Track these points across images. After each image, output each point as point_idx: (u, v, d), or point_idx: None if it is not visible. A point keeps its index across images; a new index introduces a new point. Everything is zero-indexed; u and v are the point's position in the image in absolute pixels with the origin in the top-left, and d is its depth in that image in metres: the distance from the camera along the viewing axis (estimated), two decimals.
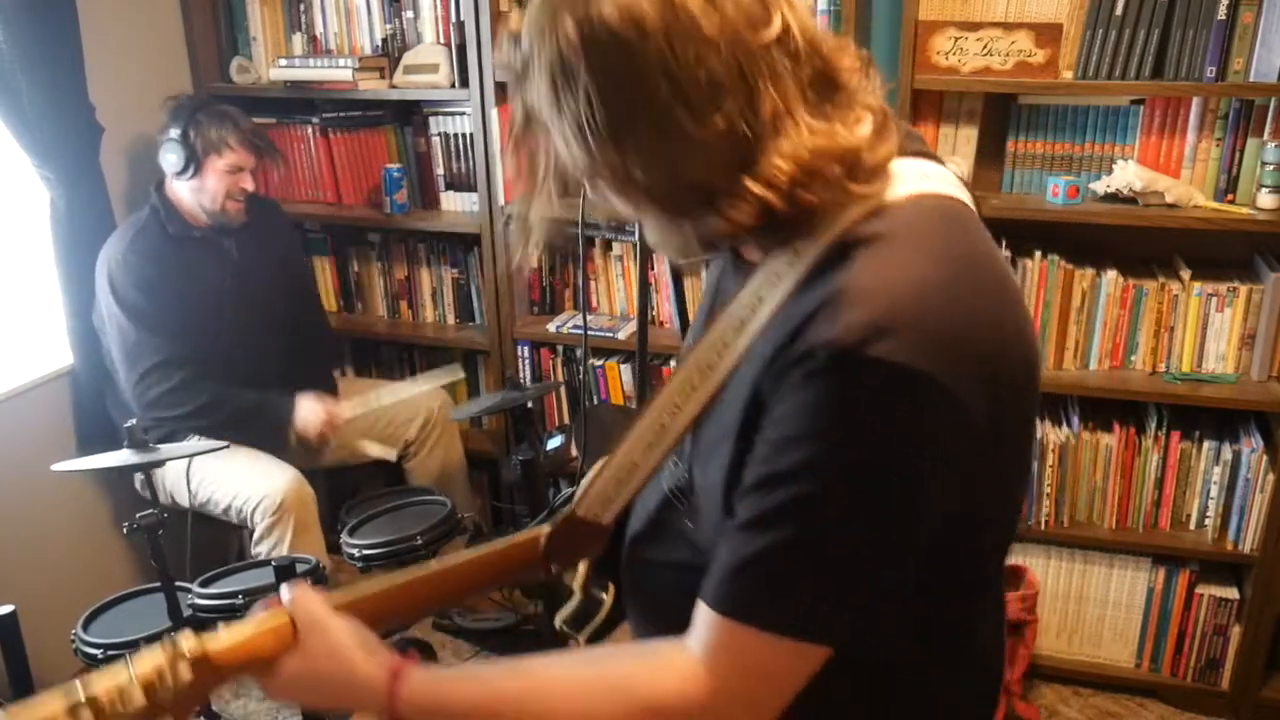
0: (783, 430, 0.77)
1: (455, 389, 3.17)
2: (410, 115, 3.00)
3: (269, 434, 2.57)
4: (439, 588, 1.07)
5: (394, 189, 2.95)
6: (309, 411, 2.59)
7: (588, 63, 0.77)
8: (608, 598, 1.08)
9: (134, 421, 2.11)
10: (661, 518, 0.94)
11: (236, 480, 2.49)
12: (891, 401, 0.74)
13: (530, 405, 2.67)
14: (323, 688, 0.93)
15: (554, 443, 2.71)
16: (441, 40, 2.84)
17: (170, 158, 2.50)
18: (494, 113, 2.73)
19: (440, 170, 2.98)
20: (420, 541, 2.38)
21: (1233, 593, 2.50)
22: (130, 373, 2.50)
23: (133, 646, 2.14)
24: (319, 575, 2.25)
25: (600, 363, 2.89)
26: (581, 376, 2.83)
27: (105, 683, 0.85)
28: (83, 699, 0.83)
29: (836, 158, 0.79)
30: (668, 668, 0.82)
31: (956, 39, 2.35)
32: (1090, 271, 2.44)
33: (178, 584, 2.15)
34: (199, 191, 2.54)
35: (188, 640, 0.89)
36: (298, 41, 2.99)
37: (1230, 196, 2.37)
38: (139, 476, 2.59)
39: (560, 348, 2.98)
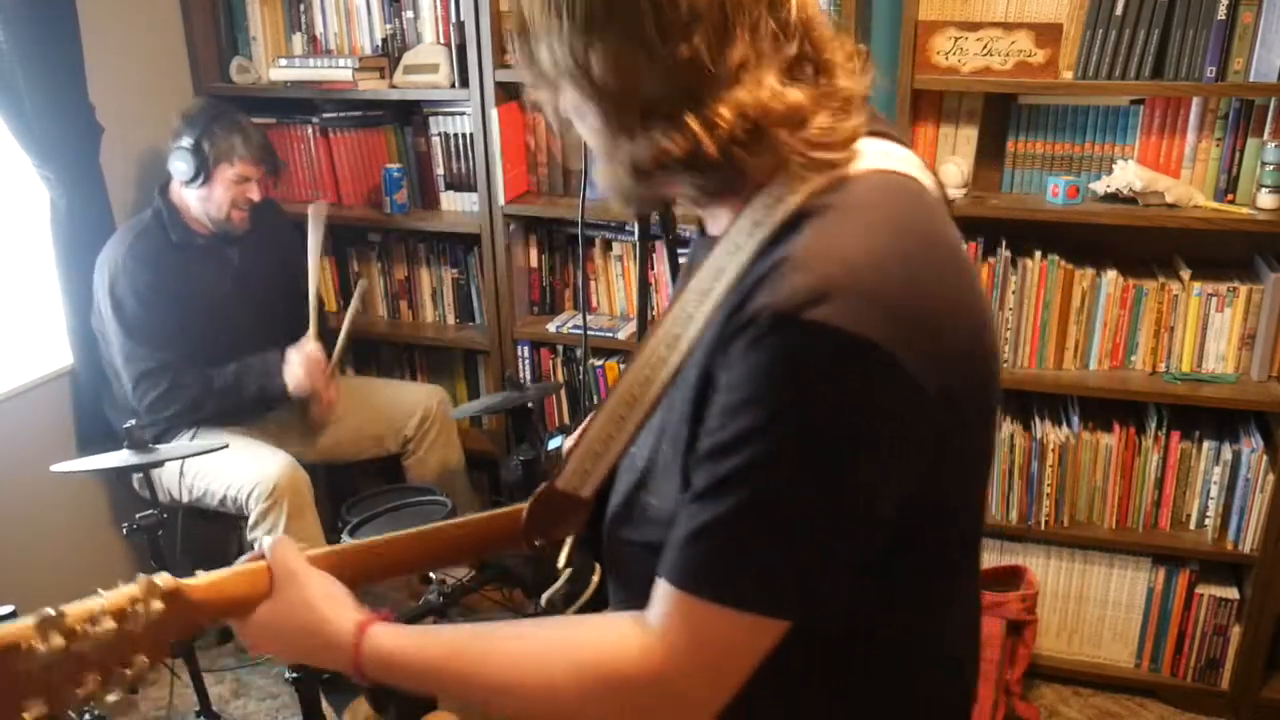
0: (729, 398, 0.78)
1: (455, 389, 3.17)
2: (410, 115, 3.00)
3: (267, 395, 2.58)
4: (417, 550, 1.09)
5: (394, 189, 2.95)
6: (295, 362, 2.60)
7: None
8: (595, 577, 1.07)
9: (133, 422, 2.12)
10: (635, 496, 0.93)
11: (229, 469, 2.49)
12: (830, 365, 0.74)
13: (530, 405, 2.67)
14: (291, 637, 0.95)
15: (555, 443, 2.71)
16: (441, 40, 2.84)
17: (180, 165, 2.51)
18: (494, 113, 2.73)
19: (440, 170, 2.98)
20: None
21: (1233, 593, 2.50)
22: (127, 375, 2.52)
23: None
24: None
25: (600, 363, 2.89)
26: (581, 376, 2.84)
27: (77, 606, 0.86)
28: (52, 613, 0.84)
29: (783, 120, 0.79)
30: (626, 639, 0.82)
31: (956, 39, 2.35)
32: (1090, 271, 2.44)
33: None
34: (206, 200, 2.55)
35: (162, 577, 0.90)
36: (298, 41, 2.99)
37: (1230, 196, 2.37)
38: (137, 476, 2.59)
39: (560, 348, 2.98)
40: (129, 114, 2.73)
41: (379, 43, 2.91)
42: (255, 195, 2.59)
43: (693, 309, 0.84)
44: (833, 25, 0.86)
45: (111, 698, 0.88)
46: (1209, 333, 2.41)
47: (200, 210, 2.57)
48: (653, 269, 2.72)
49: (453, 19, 2.78)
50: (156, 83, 2.87)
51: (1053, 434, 2.51)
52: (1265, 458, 2.38)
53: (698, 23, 0.78)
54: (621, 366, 2.86)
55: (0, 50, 2.36)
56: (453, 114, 2.91)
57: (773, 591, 0.78)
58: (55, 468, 2.13)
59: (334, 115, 3.01)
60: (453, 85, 2.80)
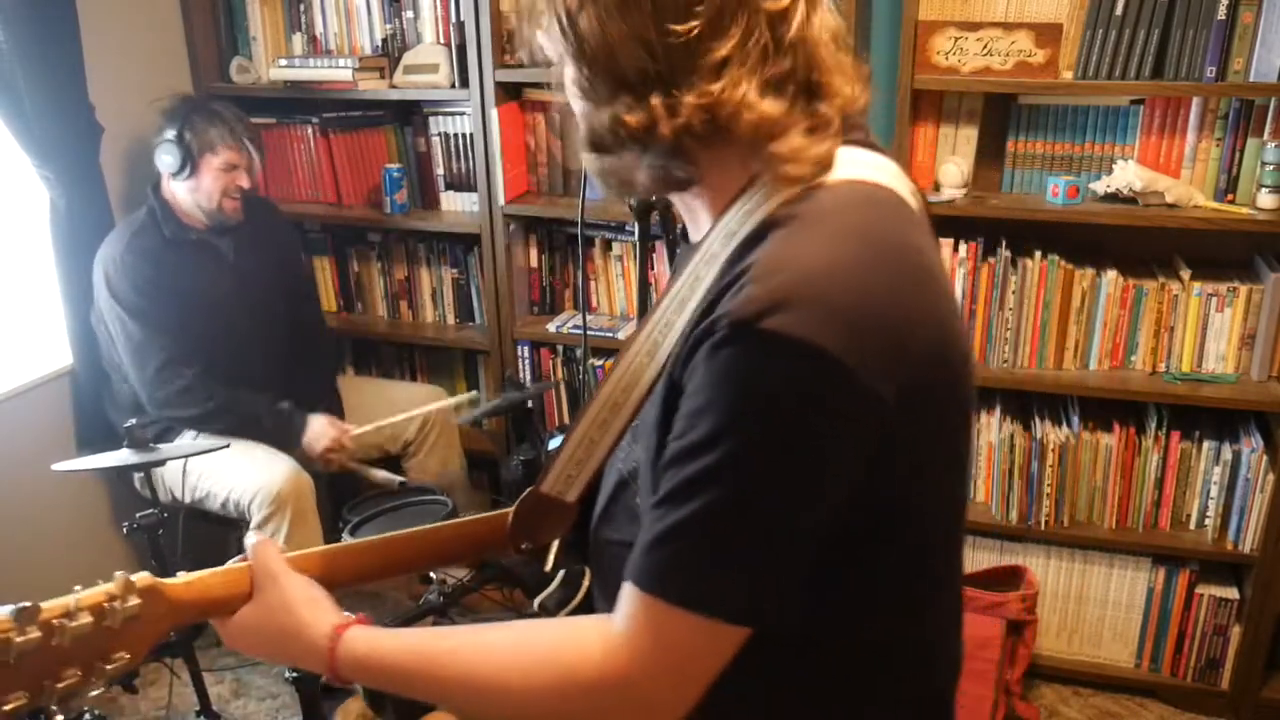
0: (691, 404, 0.79)
1: (455, 389, 3.17)
2: (410, 115, 3.00)
3: (276, 442, 2.57)
4: (401, 553, 1.11)
5: (394, 189, 2.95)
6: (319, 432, 2.59)
7: None
8: (586, 581, 1.08)
9: (134, 421, 2.11)
10: (617, 499, 0.94)
11: (233, 473, 2.49)
12: (785, 373, 0.75)
13: (531, 405, 2.67)
14: (270, 639, 0.97)
15: (555, 443, 2.69)
16: (441, 40, 2.84)
17: (166, 159, 2.51)
18: (494, 113, 2.73)
19: (440, 170, 2.98)
20: None
21: (1233, 593, 2.50)
22: (140, 372, 2.50)
23: None
24: None
25: (600, 363, 2.89)
26: (582, 376, 2.83)
27: (53, 602, 0.87)
28: (29, 606, 0.85)
29: (749, 129, 0.81)
30: (591, 642, 0.83)
31: (956, 39, 2.35)
32: (1090, 271, 2.44)
33: None
34: (195, 191, 2.55)
35: (140, 576, 0.92)
36: (298, 41, 2.99)
37: (1230, 196, 2.37)
38: (138, 476, 2.59)
39: (560, 348, 2.98)
40: (129, 114, 2.73)
41: (379, 43, 2.91)
42: (244, 182, 2.58)
43: (672, 316, 0.86)
44: (839, 44, 0.87)
45: (94, 692, 0.90)
46: (1209, 333, 2.41)
47: (191, 203, 2.56)
48: (653, 269, 2.72)
49: (453, 19, 2.78)
50: (156, 83, 2.86)
51: (1053, 434, 2.51)
52: (1265, 458, 2.38)
53: (693, 12, 0.79)
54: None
55: (0, 50, 2.36)
56: (453, 114, 2.91)
57: (734, 595, 0.79)
58: (55, 467, 2.13)
59: (334, 115, 3.00)
60: (453, 85, 2.80)
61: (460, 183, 2.97)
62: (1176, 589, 2.52)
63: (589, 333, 2.77)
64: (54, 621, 0.86)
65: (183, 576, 0.97)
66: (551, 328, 2.91)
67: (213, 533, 2.78)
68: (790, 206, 0.82)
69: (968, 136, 2.54)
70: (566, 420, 3.01)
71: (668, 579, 0.80)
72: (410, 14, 2.87)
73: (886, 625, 0.91)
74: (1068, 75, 2.35)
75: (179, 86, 2.93)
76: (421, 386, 3.04)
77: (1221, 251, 2.48)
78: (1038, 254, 2.45)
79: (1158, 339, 2.44)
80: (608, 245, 2.88)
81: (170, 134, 2.49)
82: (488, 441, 3.12)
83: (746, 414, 0.76)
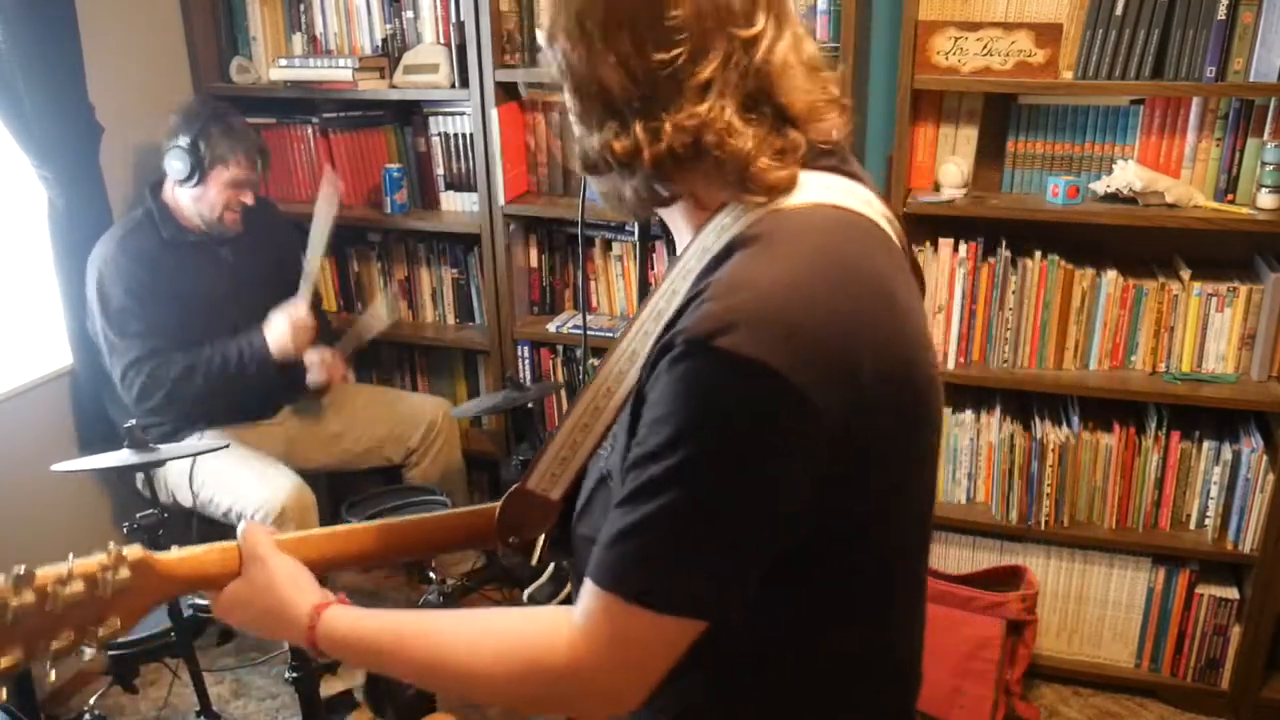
0: (651, 413, 0.83)
1: (455, 389, 3.17)
2: (410, 115, 3.00)
3: (250, 360, 2.54)
4: (388, 541, 1.16)
5: (394, 189, 2.95)
6: (277, 330, 2.55)
7: None
8: None
9: (134, 422, 2.12)
10: (595, 497, 0.98)
11: (238, 485, 2.49)
12: (733, 388, 0.79)
13: (530, 405, 2.67)
14: (256, 615, 1.03)
15: None
16: (441, 40, 2.84)
17: (176, 164, 2.50)
18: (494, 113, 2.73)
19: (440, 170, 2.98)
20: None
21: (1233, 593, 2.50)
22: (115, 372, 2.50)
23: (133, 647, 2.15)
24: None
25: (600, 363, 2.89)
26: (581, 376, 2.83)
27: (48, 568, 0.95)
28: (23, 571, 0.92)
29: (729, 155, 0.85)
30: (553, 632, 0.88)
31: (956, 39, 2.35)
32: (1090, 271, 2.44)
33: None
34: (199, 200, 2.54)
35: (131, 548, 0.99)
36: (298, 41, 2.99)
37: (1230, 196, 2.37)
38: (139, 476, 2.59)
39: (560, 348, 2.98)
40: (129, 114, 2.73)
41: (379, 43, 2.92)
42: (249, 199, 2.59)
43: (650, 326, 0.90)
44: (814, 71, 0.91)
45: (87, 653, 0.97)
46: (1209, 333, 2.41)
47: (193, 210, 2.56)
48: (653, 269, 2.72)
49: (453, 19, 2.78)
50: (156, 83, 2.87)
51: (1053, 434, 2.51)
52: (1265, 458, 2.38)
53: (678, 38, 0.84)
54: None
55: (0, 50, 2.36)
56: (453, 114, 2.91)
57: (686, 594, 0.83)
58: (56, 467, 2.13)
59: (334, 115, 3.01)
60: (453, 85, 2.80)
61: (460, 183, 2.97)
62: (1176, 589, 2.52)
63: (589, 333, 2.77)
64: (48, 588, 0.93)
65: (175, 552, 1.03)
66: (551, 328, 2.91)
67: (213, 535, 2.78)
68: (756, 227, 0.86)
69: (968, 136, 2.54)
70: None
71: (624, 576, 0.83)
72: (410, 14, 2.87)
73: (844, 637, 0.94)
74: (1068, 75, 2.35)
75: (179, 86, 2.93)
76: (427, 397, 3.02)
77: (1221, 251, 2.48)
78: (1038, 254, 2.45)
79: (1158, 339, 2.44)
80: (608, 245, 2.88)
81: (184, 141, 2.48)
82: (488, 442, 3.13)
83: (702, 427, 0.80)
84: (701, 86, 0.84)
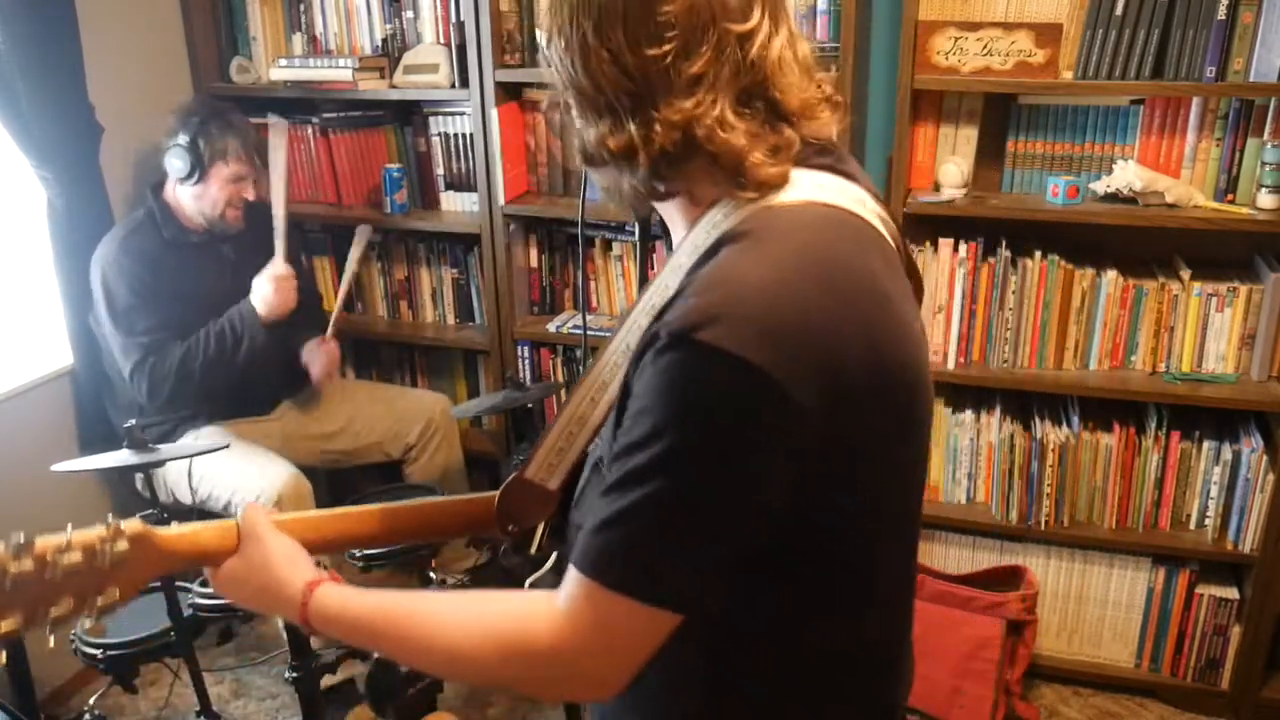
0: (636, 405, 0.85)
1: (455, 389, 3.17)
2: (410, 115, 3.00)
3: (241, 329, 2.54)
4: (386, 524, 1.17)
5: (394, 189, 2.95)
6: (262, 292, 2.55)
7: None
8: None
9: (134, 422, 2.12)
10: (591, 487, 0.99)
11: (234, 476, 2.49)
12: (713, 381, 0.80)
13: (530, 405, 2.67)
14: (252, 591, 1.06)
15: None
16: (441, 40, 2.84)
17: (176, 163, 2.50)
18: (494, 113, 2.73)
19: (440, 170, 2.98)
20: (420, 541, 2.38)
21: (1233, 593, 2.50)
22: (124, 370, 2.51)
23: (133, 647, 2.14)
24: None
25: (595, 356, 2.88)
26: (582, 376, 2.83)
27: (47, 537, 0.97)
28: (22, 539, 0.95)
29: (721, 149, 0.86)
30: (536, 615, 0.89)
31: (956, 39, 2.35)
32: (1090, 271, 2.44)
33: (178, 583, 2.15)
34: (200, 198, 2.55)
35: (129, 522, 1.02)
36: (298, 41, 2.99)
37: (1230, 196, 2.37)
38: (139, 476, 2.59)
39: (560, 348, 2.98)
40: (129, 114, 2.73)
41: (379, 43, 2.91)
42: (250, 194, 2.59)
43: (643, 320, 0.91)
44: (806, 70, 0.91)
45: (86, 621, 1.00)
46: (1209, 333, 2.41)
47: (195, 208, 2.57)
48: (653, 269, 2.71)
49: (453, 19, 2.78)
50: (156, 83, 2.87)
51: (1053, 434, 2.51)
52: (1265, 458, 2.38)
53: (669, 34, 0.85)
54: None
55: (0, 50, 2.36)
56: (453, 114, 2.91)
57: (666, 583, 0.85)
58: (56, 467, 2.13)
59: (334, 115, 3.00)
60: (453, 85, 2.80)
61: (460, 183, 2.97)
62: (1176, 589, 2.52)
63: (589, 333, 2.77)
64: (47, 556, 0.96)
65: (175, 527, 1.06)
66: (551, 328, 2.91)
67: None
68: (745, 223, 0.87)
69: (968, 136, 2.54)
70: None
71: (605, 564, 0.85)
72: (410, 14, 2.87)
73: (829, 630, 0.94)
74: (1068, 75, 2.35)
75: (179, 86, 2.93)
76: (425, 393, 3.03)
77: (1221, 251, 2.48)
78: (1038, 254, 2.45)
79: (1158, 339, 2.44)
80: (608, 245, 2.88)
81: (183, 139, 2.49)
82: (488, 442, 3.13)
83: (684, 419, 0.81)
84: (692, 80, 0.85)
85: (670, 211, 0.97)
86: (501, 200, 2.81)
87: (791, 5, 0.94)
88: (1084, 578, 2.59)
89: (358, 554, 2.40)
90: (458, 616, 0.94)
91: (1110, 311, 2.44)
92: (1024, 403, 2.62)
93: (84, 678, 2.68)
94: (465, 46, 2.72)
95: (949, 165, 2.48)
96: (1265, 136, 2.30)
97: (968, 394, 2.63)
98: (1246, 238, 2.46)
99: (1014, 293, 2.48)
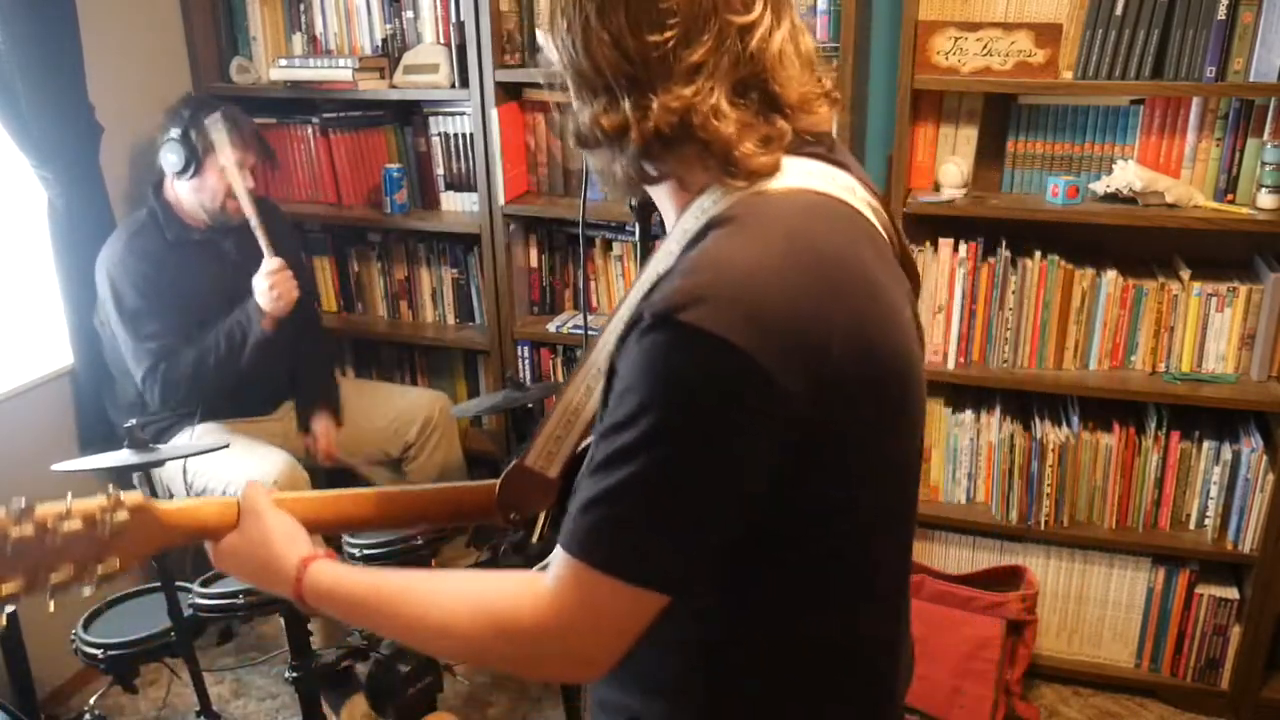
0: (620, 385, 0.85)
1: (455, 389, 3.18)
2: (410, 115, 3.00)
3: (248, 330, 2.53)
4: (383, 508, 1.18)
5: (394, 189, 2.95)
6: (257, 287, 2.52)
7: None
8: None
9: (134, 421, 2.12)
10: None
11: (230, 467, 2.49)
12: (695, 361, 0.81)
13: (531, 405, 2.67)
14: (249, 567, 1.07)
15: None
16: (441, 40, 2.84)
17: (171, 158, 2.50)
18: (494, 113, 2.73)
19: (440, 170, 2.98)
20: (421, 541, 2.38)
21: (1233, 593, 2.50)
22: (136, 370, 2.51)
23: (133, 647, 2.15)
24: None
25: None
26: None
27: (47, 505, 0.99)
28: (24, 504, 0.96)
29: (713, 137, 0.86)
30: (524, 594, 0.89)
31: (956, 39, 2.35)
32: (1090, 271, 2.44)
33: (178, 584, 2.15)
34: (199, 190, 2.55)
35: (129, 494, 1.03)
36: (298, 41, 2.99)
37: (1230, 196, 2.37)
38: (137, 476, 2.59)
39: (560, 348, 2.98)
40: (129, 114, 2.73)
41: (379, 43, 2.91)
42: (249, 182, 2.59)
43: (635, 305, 0.91)
44: (809, 63, 0.92)
45: (86, 590, 1.01)
46: (1209, 333, 2.41)
47: (195, 203, 2.56)
48: None
49: (453, 19, 2.78)
50: (156, 83, 2.87)
51: (1053, 434, 2.51)
52: (1265, 458, 2.38)
53: (670, 21, 0.85)
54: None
55: (0, 50, 2.36)
56: (453, 114, 2.91)
57: (650, 564, 0.85)
58: (55, 467, 2.13)
59: (334, 115, 3.00)
60: (453, 85, 2.80)
61: (460, 183, 2.97)
62: (1176, 589, 2.52)
63: (589, 333, 2.76)
64: (48, 522, 0.98)
65: (176, 501, 1.07)
66: (551, 328, 2.91)
67: None
68: (732, 209, 0.87)
69: (968, 136, 2.54)
70: None
71: (591, 543, 0.85)
72: (410, 14, 2.87)
73: (821, 621, 0.94)
74: (1068, 75, 2.35)
75: (179, 86, 2.93)
76: (424, 391, 3.03)
77: (1221, 251, 2.48)
78: (1038, 254, 2.45)
79: (1158, 339, 2.44)
80: (608, 245, 2.88)
81: (175, 133, 2.49)
82: (488, 441, 3.12)
83: (667, 400, 0.82)
84: (692, 69, 0.86)
85: (662, 197, 0.98)
86: (501, 200, 2.81)
87: (793, 2, 0.94)
88: (1084, 578, 2.59)
89: (358, 553, 2.40)
90: (450, 593, 0.95)
91: (1110, 311, 2.45)
92: (1024, 403, 2.62)
93: (84, 678, 2.68)
94: (465, 46, 2.72)
95: (949, 165, 2.48)
96: (1265, 136, 2.30)
97: (968, 394, 2.63)
98: (1246, 238, 2.46)
99: (1014, 293, 2.48)
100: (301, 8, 2.96)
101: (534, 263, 2.98)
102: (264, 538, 1.06)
